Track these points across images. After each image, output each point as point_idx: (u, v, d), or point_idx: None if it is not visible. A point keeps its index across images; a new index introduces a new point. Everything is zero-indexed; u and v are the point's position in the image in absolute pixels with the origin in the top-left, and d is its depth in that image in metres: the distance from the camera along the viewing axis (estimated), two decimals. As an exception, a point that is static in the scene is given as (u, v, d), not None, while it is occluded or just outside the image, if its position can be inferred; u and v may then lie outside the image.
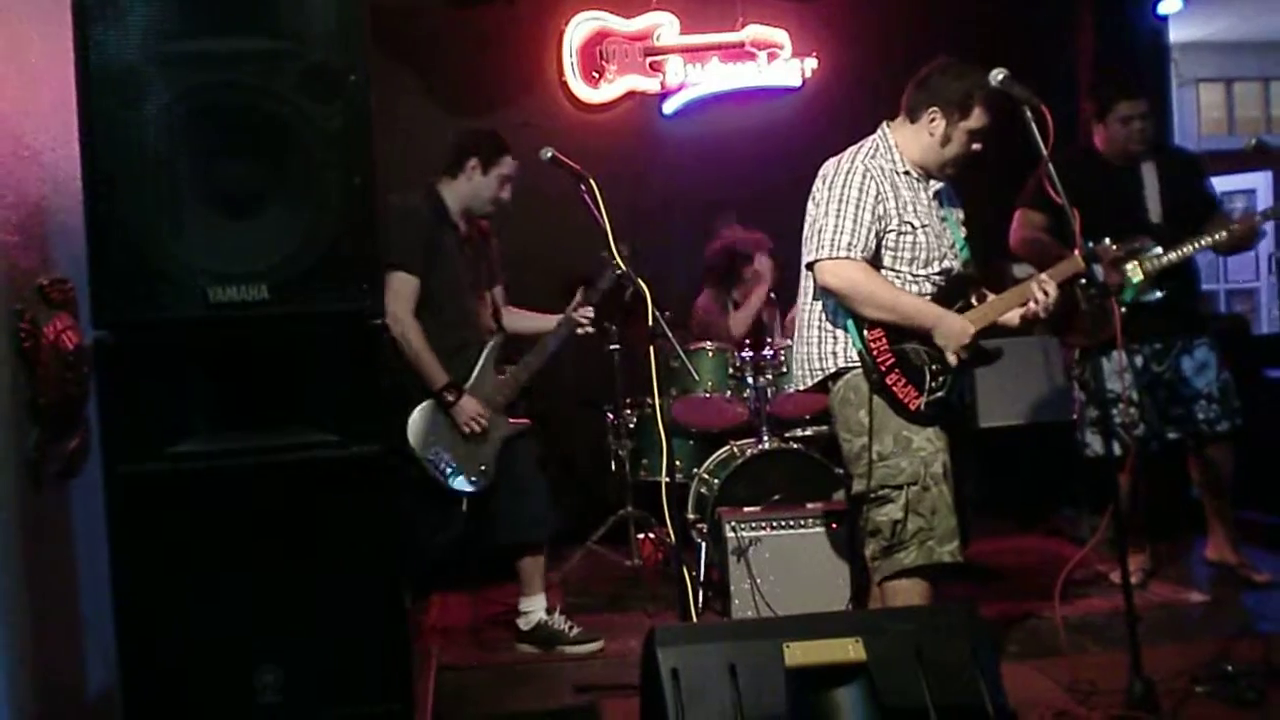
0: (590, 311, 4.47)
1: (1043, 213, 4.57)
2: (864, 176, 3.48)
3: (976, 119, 3.48)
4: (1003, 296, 3.58)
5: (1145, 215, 4.58)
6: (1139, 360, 4.60)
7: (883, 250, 3.51)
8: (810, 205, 3.57)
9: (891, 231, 3.49)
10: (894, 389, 3.43)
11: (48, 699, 2.62)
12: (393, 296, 3.88)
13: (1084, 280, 3.29)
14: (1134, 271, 4.36)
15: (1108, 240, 3.90)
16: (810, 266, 3.52)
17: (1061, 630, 3.56)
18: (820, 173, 3.60)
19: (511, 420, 4.33)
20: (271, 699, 2.34)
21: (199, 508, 2.32)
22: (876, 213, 3.46)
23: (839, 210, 3.45)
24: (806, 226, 3.57)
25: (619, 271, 4.11)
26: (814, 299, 3.62)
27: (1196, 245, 4.37)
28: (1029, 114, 3.24)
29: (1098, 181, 4.51)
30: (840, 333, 3.55)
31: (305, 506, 2.36)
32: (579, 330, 4.48)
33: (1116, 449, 4.42)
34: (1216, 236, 4.36)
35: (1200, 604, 4.52)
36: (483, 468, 4.19)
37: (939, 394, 3.45)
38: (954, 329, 3.45)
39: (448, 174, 4.30)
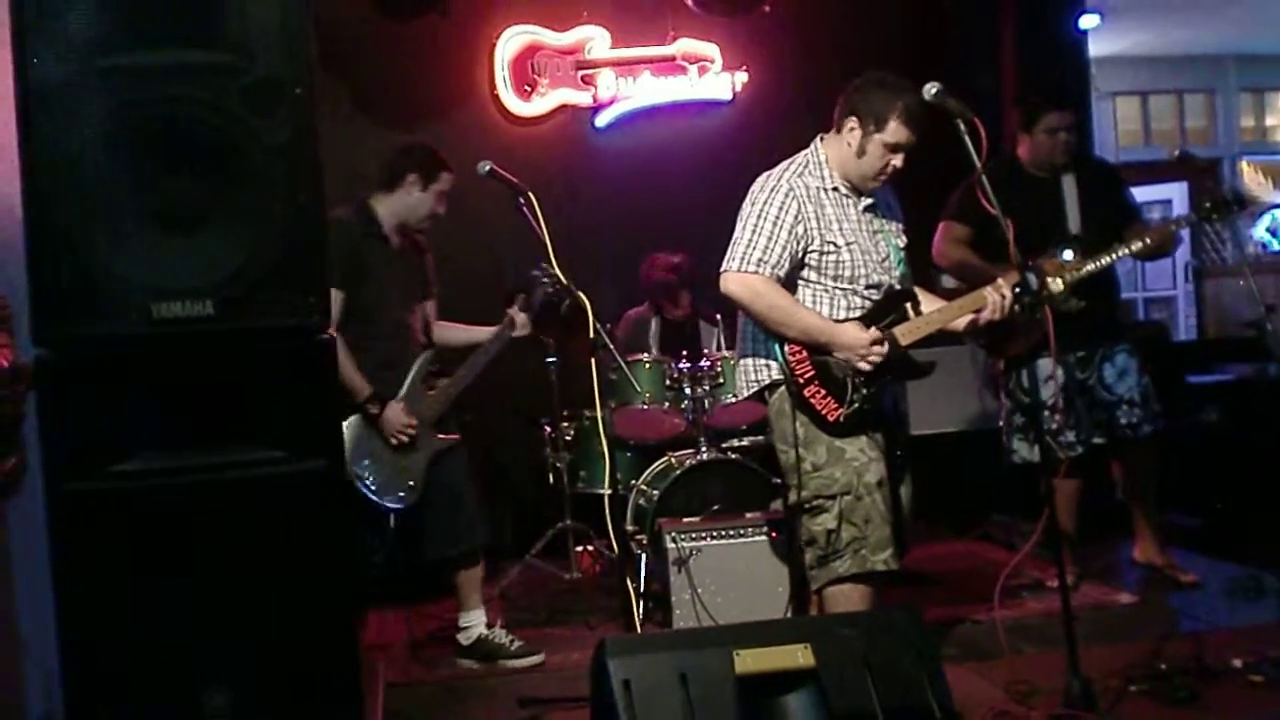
0: (524, 317, 4.46)
1: (967, 225, 4.65)
2: (786, 195, 3.54)
3: (893, 133, 3.51)
4: (942, 309, 3.64)
5: (1065, 225, 4.67)
6: (1063, 369, 4.70)
7: (807, 268, 3.58)
8: (737, 219, 3.62)
9: (814, 251, 3.55)
10: (812, 401, 3.50)
11: (-15, 726, 2.56)
12: None
13: (1018, 289, 3.36)
14: (1053, 282, 4.45)
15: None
16: (719, 277, 3.58)
17: (1001, 633, 3.61)
18: (750, 189, 3.65)
19: (440, 435, 4.30)
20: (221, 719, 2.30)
21: (144, 526, 2.28)
22: (795, 232, 3.52)
23: (756, 226, 3.53)
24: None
25: (555, 284, 4.12)
26: None
27: (1116, 254, 4.47)
28: (962, 127, 3.30)
29: (1019, 193, 4.58)
30: (768, 346, 3.61)
31: (253, 523, 2.33)
32: (515, 334, 4.45)
33: (1037, 454, 4.53)
34: (1135, 245, 4.46)
35: (1130, 605, 4.63)
36: (411, 483, 4.16)
37: (858, 405, 3.50)
38: (849, 340, 3.50)
39: (383, 188, 4.28)
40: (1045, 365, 4.52)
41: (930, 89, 3.40)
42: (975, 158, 3.28)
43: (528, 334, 4.51)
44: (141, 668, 2.28)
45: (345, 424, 4.01)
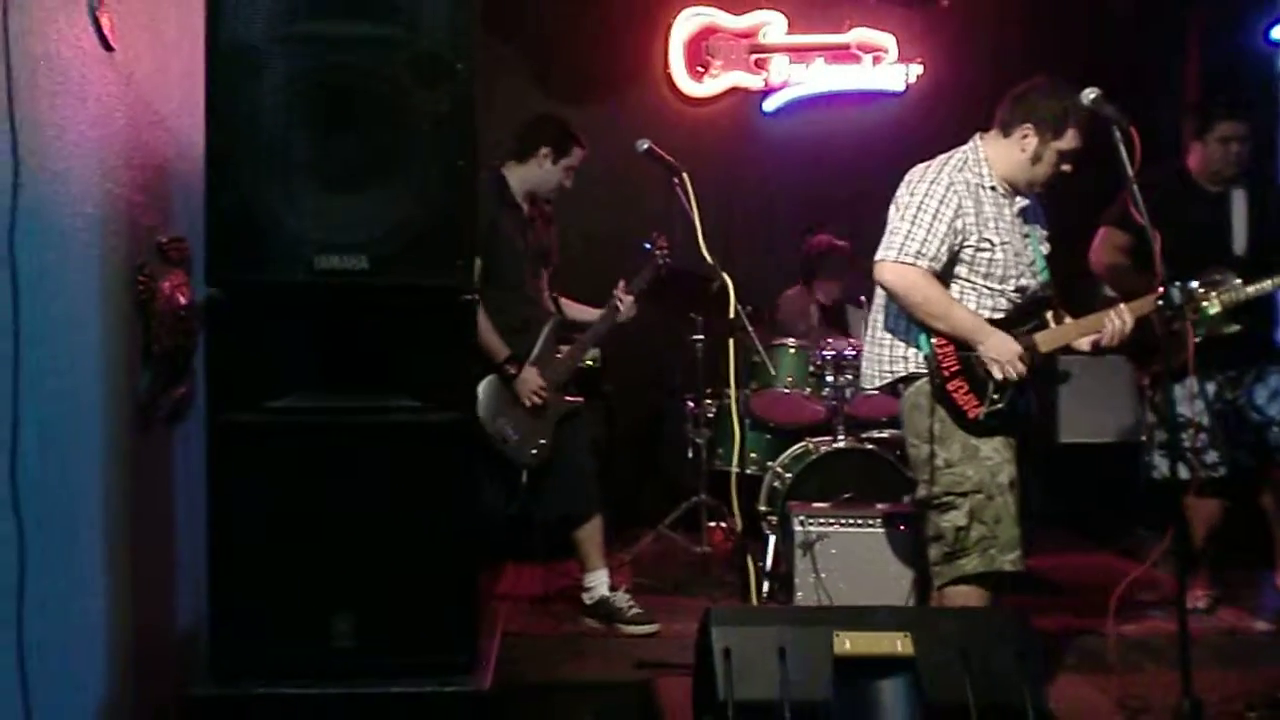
0: (629, 298, 4.57)
1: (1126, 233, 4.55)
2: (947, 188, 3.52)
3: (1069, 140, 3.49)
4: (1080, 321, 3.61)
5: (1229, 245, 4.52)
6: (1212, 387, 4.56)
7: (959, 264, 3.55)
8: (891, 209, 3.61)
9: (969, 246, 3.53)
10: (954, 396, 3.48)
11: (140, 628, 2.81)
12: None
13: (1160, 303, 3.31)
14: (1211, 304, 4.32)
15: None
16: (874, 265, 3.56)
17: (1114, 646, 3.58)
18: (906, 178, 3.64)
19: (567, 398, 4.46)
20: (346, 644, 2.48)
21: (291, 459, 2.47)
22: (955, 226, 3.49)
23: (915, 217, 3.49)
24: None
25: (665, 259, 4.21)
26: (890, 302, 3.66)
27: (1276, 282, 4.31)
28: (1118, 134, 3.26)
29: (1184, 206, 4.47)
30: (912, 338, 3.60)
31: (388, 466, 2.50)
32: (619, 319, 4.57)
33: (1184, 472, 4.44)
34: None
35: (1265, 632, 4.50)
36: (542, 442, 4.33)
37: (999, 405, 3.48)
38: (999, 347, 3.47)
39: (515, 158, 4.43)
40: (1192, 383, 4.42)
41: (1089, 94, 3.36)
42: (1128, 166, 3.23)
43: (633, 316, 4.58)
44: (279, 588, 2.47)
45: (484, 382, 4.19)
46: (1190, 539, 4.62)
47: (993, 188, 3.59)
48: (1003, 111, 3.62)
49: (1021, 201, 3.63)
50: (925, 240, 3.47)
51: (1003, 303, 3.58)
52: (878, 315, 3.72)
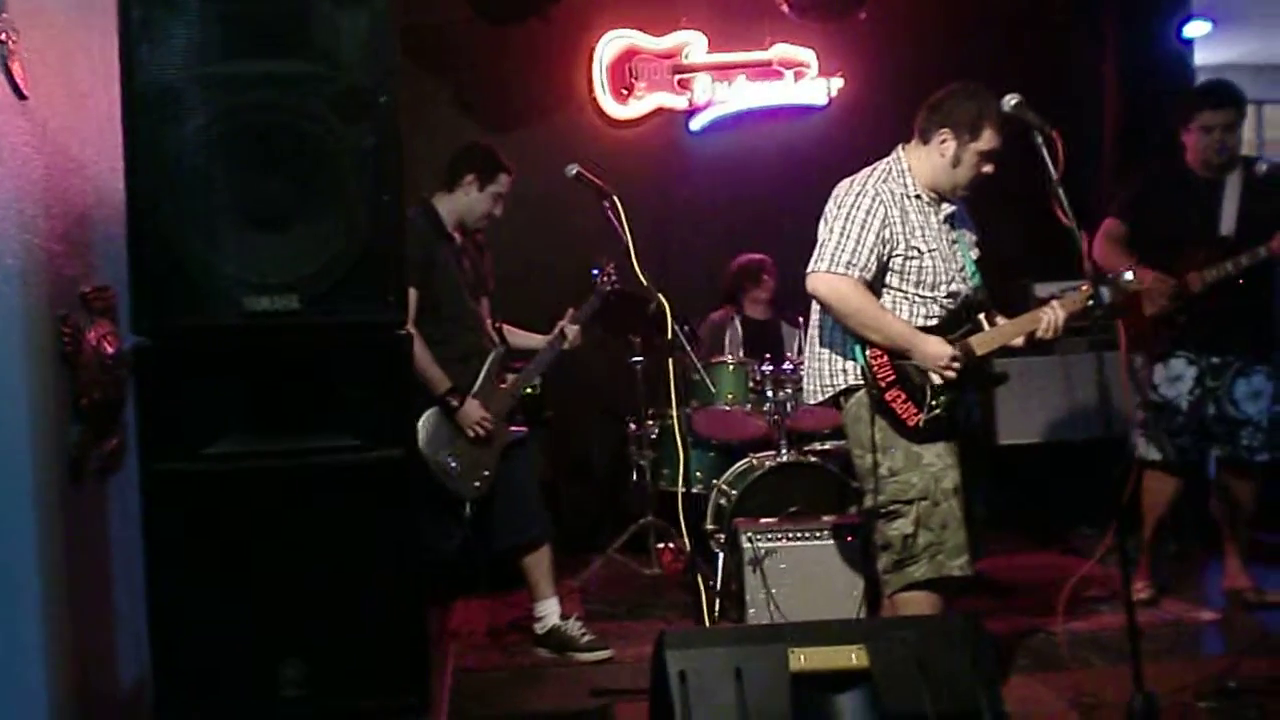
0: (575, 329, 4.56)
1: (1124, 224, 4.66)
2: (873, 200, 3.57)
3: (987, 140, 3.55)
4: (1014, 322, 3.65)
5: (1215, 227, 4.58)
6: (1193, 371, 4.63)
7: (889, 274, 3.60)
8: (820, 223, 3.66)
9: (898, 255, 3.57)
10: (893, 405, 3.52)
11: (84, 687, 2.73)
12: None
13: (1090, 303, 3.35)
14: (1193, 282, 4.45)
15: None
16: (805, 278, 3.60)
17: (1064, 643, 3.62)
18: (833, 193, 3.69)
19: (511, 428, 4.43)
20: (295, 692, 2.42)
21: (230, 506, 2.41)
22: (882, 236, 3.54)
23: (844, 229, 3.54)
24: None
25: (614, 286, 4.22)
26: (827, 316, 3.69)
27: (1246, 260, 4.39)
28: (1040, 139, 3.31)
29: (1176, 194, 4.57)
30: (847, 350, 3.63)
31: (330, 507, 2.45)
32: (565, 345, 4.56)
33: (1154, 454, 4.58)
34: (1265, 250, 4.37)
35: (1211, 622, 4.57)
36: (485, 473, 4.29)
37: (937, 411, 3.52)
38: (930, 351, 3.51)
39: (444, 187, 4.41)
40: (1176, 365, 4.52)
41: (1010, 100, 3.41)
42: (1052, 170, 3.28)
43: (578, 346, 4.58)
44: (224, 638, 2.41)
45: (424, 416, 4.16)
46: (1140, 521, 4.70)
47: (918, 196, 3.63)
48: (920, 120, 3.68)
49: (948, 208, 3.67)
50: (855, 251, 3.52)
51: (935, 309, 3.62)
52: (815, 331, 3.76)
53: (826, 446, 5.22)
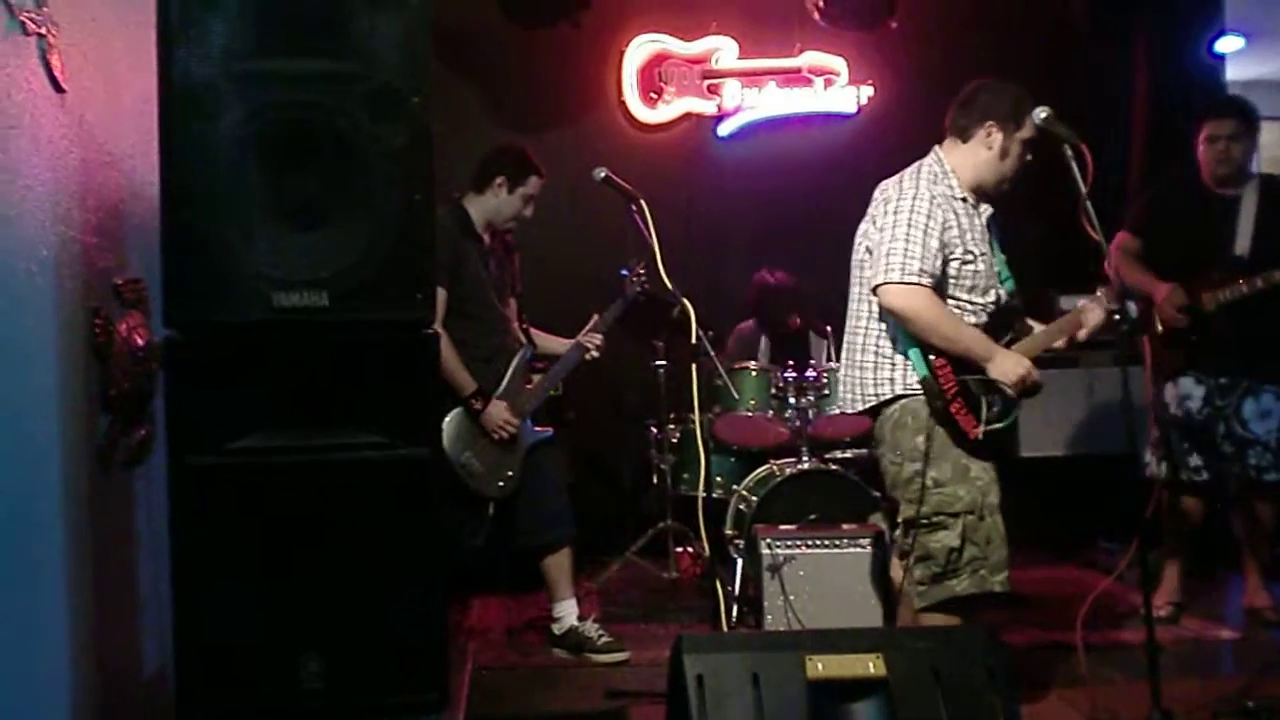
0: (599, 338, 4.59)
1: (1141, 238, 4.66)
2: (931, 202, 3.46)
3: (1028, 129, 3.51)
4: (1050, 327, 3.65)
5: (1230, 246, 4.56)
6: (1201, 391, 4.62)
7: (945, 279, 3.50)
8: (871, 228, 3.57)
9: (955, 260, 3.49)
10: (957, 417, 3.43)
11: (105, 675, 2.76)
12: None
13: (1117, 316, 3.35)
14: (1206, 301, 4.43)
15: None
16: (876, 290, 3.46)
17: (1083, 659, 3.59)
18: (880, 195, 3.60)
19: (536, 428, 4.44)
20: (314, 685, 2.44)
21: (255, 500, 2.43)
22: (943, 240, 3.44)
23: (908, 235, 3.41)
24: (868, 248, 3.57)
25: (643, 287, 4.23)
26: (873, 322, 3.59)
27: (1262, 283, 4.37)
28: (1069, 152, 3.30)
29: (1190, 208, 4.56)
30: (899, 358, 3.52)
31: (355, 503, 2.47)
32: (587, 355, 4.58)
33: (1170, 473, 4.59)
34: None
35: (1230, 641, 4.55)
36: (510, 473, 4.32)
37: (996, 425, 3.46)
38: (1009, 365, 3.45)
39: (474, 189, 4.44)
40: (1185, 384, 4.50)
41: (1040, 113, 3.41)
42: (1081, 184, 3.27)
43: (598, 355, 4.60)
44: (245, 630, 2.43)
45: (449, 416, 4.18)
46: (1163, 538, 4.68)
47: (963, 199, 3.57)
48: (954, 118, 3.63)
49: (987, 210, 3.63)
50: (923, 257, 3.40)
51: (983, 316, 3.57)
52: (859, 337, 3.64)
53: (848, 454, 5.22)
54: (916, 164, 3.64)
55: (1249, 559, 4.82)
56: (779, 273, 5.91)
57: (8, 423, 2.30)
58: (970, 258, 3.51)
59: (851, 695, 2.68)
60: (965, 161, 3.59)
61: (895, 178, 3.63)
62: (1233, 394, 4.61)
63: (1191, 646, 4.41)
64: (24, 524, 2.39)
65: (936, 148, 3.67)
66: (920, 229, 3.42)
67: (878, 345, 3.58)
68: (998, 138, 3.54)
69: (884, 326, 3.57)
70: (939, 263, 3.44)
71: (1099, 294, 3.61)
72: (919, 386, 3.47)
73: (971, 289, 3.54)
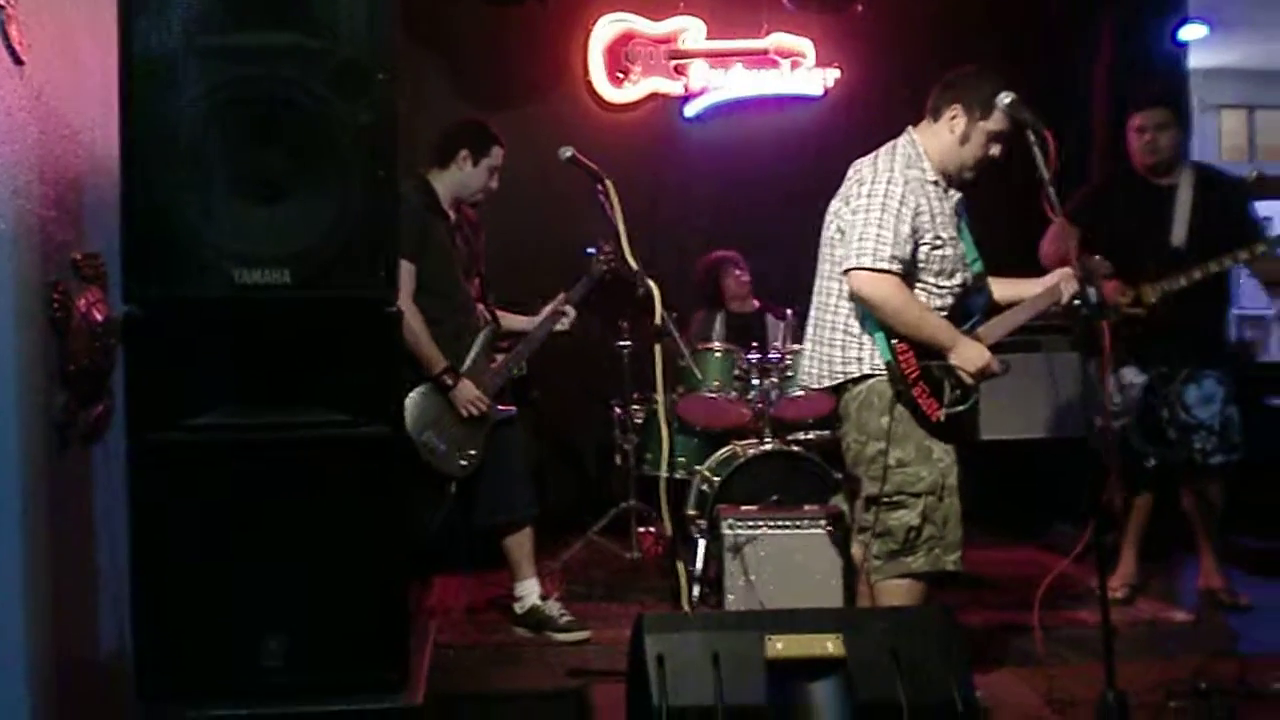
0: (570, 310, 4.59)
1: (1079, 226, 4.65)
2: (903, 187, 3.48)
3: (997, 121, 3.52)
4: (1013, 311, 3.68)
5: (1167, 237, 4.61)
6: (1143, 379, 4.68)
7: (914, 263, 3.52)
8: (844, 207, 3.58)
9: (925, 245, 3.51)
10: (919, 400, 3.48)
11: (61, 653, 2.74)
12: None
13: (1077, 300, 3.37)
14: (1147, 293, 4.46)
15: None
16: (846, 273, 3.49)
17: (1040, 640, 3.64)
18: (854, 175, 3.61)
19: (500, 407, 4.43)
20: (275, 663, 2.43)
21: (215, 477, 2.42)
22: (914, 225, 3.47)
23: (880, 220, 3.43)
24: (839, 228, 3.58)
25: (609, 264, 4.23)
26: (842, 301, 3.60)
27: (1198, 272, 4.42)
28: (1032, 138, 3.32)
29: (1127, 200, 4.59)
30: (867, 339, 3.55)
31: (315, 481, 2.45)
32: (557, 327, 4.59)
33: (1117, 458, 4.62)
34: (1215, 265, 4.41)
35: (1184, 623, 4.62)
36: (472, 452, 4.31)
37: (958, 408, 3.52)
38: (972, 354, 3.50)
39: (438, 164, 4.41)
40: (1126, 373, 4.55)
41: (1005, 98, 3.43)
42: (1044, 169, 3.29)
43: (568, 328, 4.62)
44: (205, 608, 2.42)
45: (415, 391, 4.16)
46: (1115, 527, 4.74)
47: (934, 182, 3.58)
48: (933, 98, 3.64)
49: (955, 195, 3.65)
50: (894, 243, 3.43)
51: (949, 300, 3.60)
52: (826, 315, 3.67)
53: (810, 436, 5.24)
54: (891, 144, 3.65)
55: (1203, 541, 4.89)
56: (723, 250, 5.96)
57: (-36, 397, 2.27)
58: (939, 243, 3.53)
59: (811, 675, 2.70)
60: (933, 143, 3.61)
61: (870, 157, 3.64)
62: (1171, 382, 4.68)
63: (1146, 628, 4.48)
64: (-20, 500, 2.37)
65: (910, 128, 3.67)
66: (893, 214, 3.44)
67: (846, 324, 3.61)
68: (960, 121, 3.56)
69: (853, 306, 3.59)
70: (909, 248, 3.47)
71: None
72: (884, 368, 3.50)
73: (939, 273, 3.56)
